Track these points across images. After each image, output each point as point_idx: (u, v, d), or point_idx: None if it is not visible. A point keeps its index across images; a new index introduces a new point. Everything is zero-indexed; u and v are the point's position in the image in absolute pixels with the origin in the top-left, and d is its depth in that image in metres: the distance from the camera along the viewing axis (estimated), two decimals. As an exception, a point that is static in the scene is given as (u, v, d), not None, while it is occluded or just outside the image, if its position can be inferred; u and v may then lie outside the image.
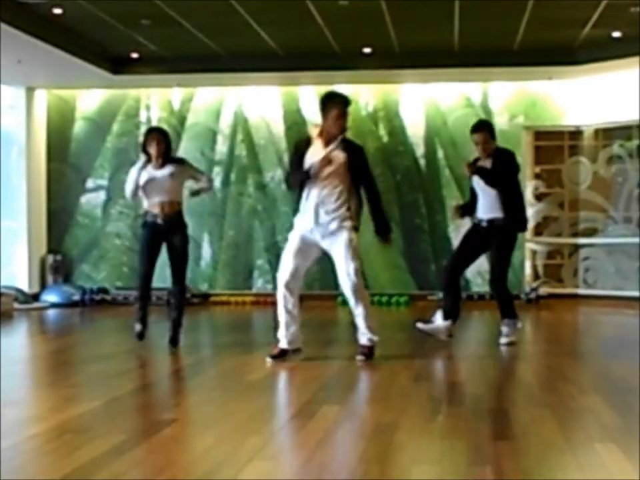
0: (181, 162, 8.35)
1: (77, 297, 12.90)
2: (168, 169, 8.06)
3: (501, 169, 7.91)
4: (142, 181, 8.03)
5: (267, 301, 12.82)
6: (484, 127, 8.16)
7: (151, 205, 8.12)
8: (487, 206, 7.94)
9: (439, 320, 8.18)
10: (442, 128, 13.09)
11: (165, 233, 8.09)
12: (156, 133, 8.27)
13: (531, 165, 13.00)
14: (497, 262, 8.01)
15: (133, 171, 8.10)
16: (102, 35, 11.09)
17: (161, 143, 8.07)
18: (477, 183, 7.98)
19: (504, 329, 7.99)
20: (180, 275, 8.33)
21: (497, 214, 7.88)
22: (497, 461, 4.09)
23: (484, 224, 7.97)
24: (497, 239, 7.89)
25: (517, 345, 7.95)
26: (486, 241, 7.95)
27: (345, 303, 12.59)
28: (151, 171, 8.06)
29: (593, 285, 12.80)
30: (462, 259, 8.20)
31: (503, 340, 7.95)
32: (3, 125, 13.14)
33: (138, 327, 8.15)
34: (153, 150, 8.05)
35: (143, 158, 8.15)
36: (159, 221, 8.05)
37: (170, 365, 7.40)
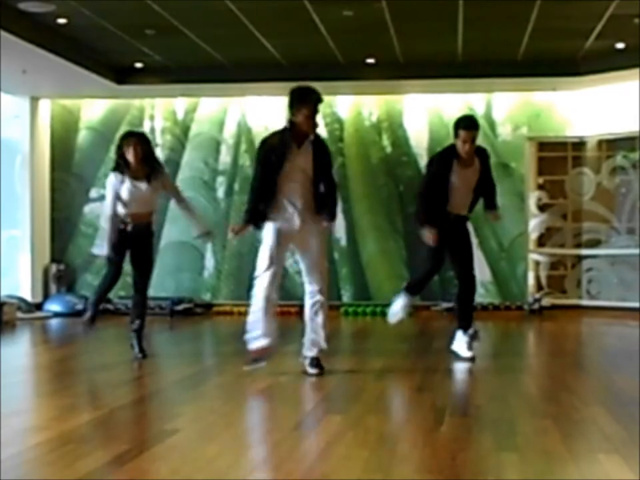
0: (160, 170, 7.93)
1: (80, 307, 12.86)
2: (149, 183, 7.70)
3: (488, 172, 7.80)
4: (124, 196, 7.66)
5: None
6: (476, 125, 7.68)
7: (122, 212, 7.74)
8: (463, 204, 7.74)
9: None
10: (445, 138, 12.99)
11: (132, 240, 7.76)
12: (132, 138, 7.79)
13: (534, 175, 13.00)
14: (469, 255, 7.81)
15: (109, 193, 7.72)
16: (106, 44, 11.11)
17: (138, 148, 7.65)
18: (463, 183, 7.65)
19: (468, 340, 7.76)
20: (143, 283, 7.92)
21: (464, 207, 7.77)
22: (500, 472, 4.08)
23: (451, 217, 7.71)
24: (465, 231, 7.80)
25: (520, 356, 7.91)
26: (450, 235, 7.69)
27: (347, 313, 12.67)
28: (130, 184, 7.66)
29: (596, 296, 12.79)
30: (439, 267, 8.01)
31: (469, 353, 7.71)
32: (7, 134, 13.16)
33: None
34: (130, 156, 7.63)
35: (112, 177, 7.71)
36: (129, 228, 7.72)
37: (172, 375, 7.38)
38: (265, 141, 6.96)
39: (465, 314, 7.79)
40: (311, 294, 6.92)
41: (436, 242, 7.56)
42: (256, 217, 6.85)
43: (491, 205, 7.99)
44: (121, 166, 7.71)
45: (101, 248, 8.05)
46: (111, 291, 8.10)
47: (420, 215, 7.79)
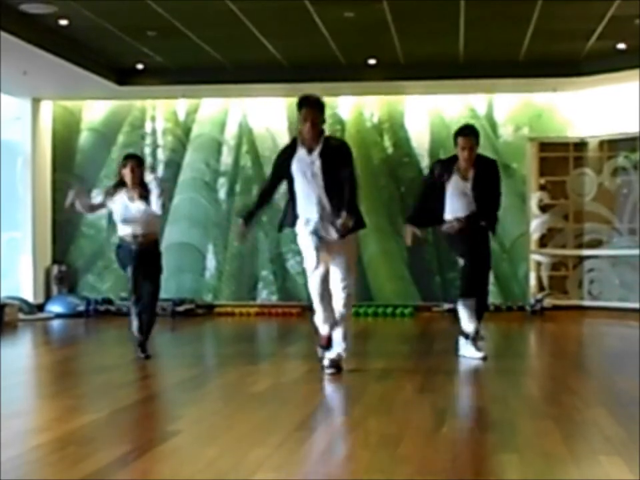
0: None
1: (81, 308, 12.91)
2: (144, 204, 7.78)
3: (485, 180, 7.70)
4: (119, 210, 7.83)
5: (271, 312, 12.86)
6: (473, 132, 7.80)
7: (124, 233, 7.91)
8: (464, 206, 7.70)
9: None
10: (447, 139, 13.00)
11: (140, 257, 7.83)
12: (132, 160, 7.98)
13: (535, 176, 13.00)
14: (482, 269, 7.80)
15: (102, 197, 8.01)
16: (107, 46, 11.12)
17: (136, 171, 7.84)
18: (455, 188, 7.69)
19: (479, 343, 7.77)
20: (153, 305, 7.97)
21: (472, 209, 7.69)
22: (501, 473, 4.09)
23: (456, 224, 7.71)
24: (478, 232, 7.72)
25: (522, 357, 7.90)
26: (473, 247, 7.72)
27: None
28: (126, 202, 7.83)
29: (597, 297, 12.78)
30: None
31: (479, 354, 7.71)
32: (9, 135, 13.17)
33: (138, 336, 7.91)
34: (128, 179, 7.81)
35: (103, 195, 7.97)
36: (134, 247, 7.83)
37: (174, 376, 7.38)
38: (280, 151, 7.24)
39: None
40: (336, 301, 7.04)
41: (409, 242, 7.84)
42: (249, 217, 7.15)
43: (481, 212, 7.81)
44: (118, 185, 7.92)
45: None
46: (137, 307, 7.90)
47: (408, 212, 8.07)
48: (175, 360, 8.16)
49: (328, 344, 6.99)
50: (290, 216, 7.00)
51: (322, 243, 6.84)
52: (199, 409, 5.76)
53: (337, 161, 6.86)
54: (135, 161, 7.97)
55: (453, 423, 5.23)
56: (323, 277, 6.87)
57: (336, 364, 6.97)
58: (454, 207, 7.71)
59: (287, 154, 6.99)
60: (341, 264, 6.93)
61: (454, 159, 7.80)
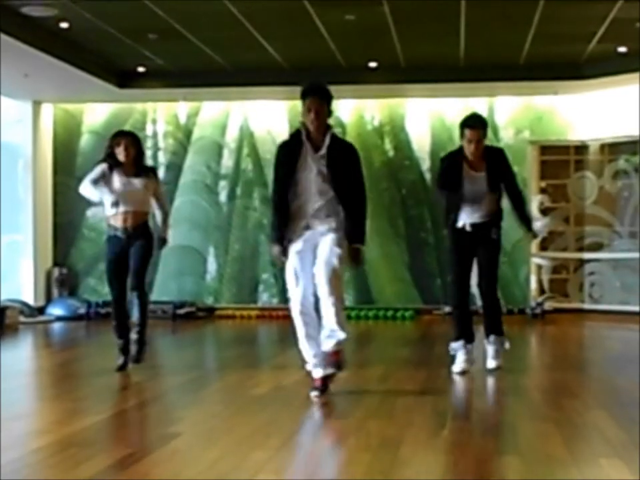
0: (153, 173, 7.68)
1: (82, 311, 12.91)
2: (142, 180, 7.38)
3: (498, 174, 7.16)
4: (114, 186, 7.31)
5: (272, 315, 12.85)
6: (481, 123, 7.15)
7: (113, 216, 7.38)
8: (477, 211, 7.15)
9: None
10: (448, 142, 13.06)
11: (129, 244, 7.35)
12: (123, 137, 7.42)
13: (536, 179, 13.00)
14: (491, 268, 7.25)
15: (96, 170, 7.32)
16: (109, 48, 11.13)
17: (130, 148, 7.33)
18: (472, 188, 7.08)
19: (493, 349, 7.26)
20: (138, 281, 7.36)
21: (485, 217, 7.18)
22: (502, 476, 4.08)
23: (468, 228, 7.17)
24: (488, 243, 7.20)
25: (522, 360, 7.89)
26: (473, 247, 7.20)
27: (350, 317, 12.64)
28: (120, 177, 7.32)
29: (598, 300, 12.78)
30: (466, 272, 7.24)
31: (492, 363, 7.23)
32: (10, 138, 13.18)
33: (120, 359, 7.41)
34: (121, 156, 7.31)
35: (102, 164, 7.35)
36: (120, 234, 7.34)
37: (175, 379, 7.38)
38: (279, 146, 6.44)
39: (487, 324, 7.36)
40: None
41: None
42: (281, 239, 6.20)
43: (521, 217, 7.39)
44: (109, 162, 7.38)
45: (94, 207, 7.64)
46: (123, 320, 7.47)
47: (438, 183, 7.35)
48: (176, 362, 8.15)
49: (324, 385, 6.12)
50: (281, 231, 6.20)
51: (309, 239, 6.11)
52: (199, 412, 5.76)
53: (346, 164, 6.17)
54: (127, 138, 7.41)
55: (454, 426, 5.23)
56: (304, 295, 6.07)
57: (340, 358, 6.12)
58: (468, 206, 7.14)
59: (290, 149, 6.20)
60: (332, 239, 6.03)
61: (460, 151, 7.16)
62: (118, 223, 7.36)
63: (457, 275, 7.29)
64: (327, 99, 6.15)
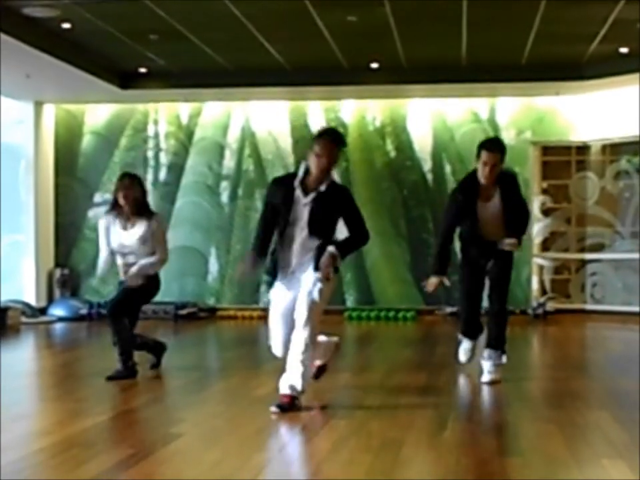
0: (154, 217, 7.42)
1: (84, 311, 12.91)
2: (138, 230, 7.26)
3: (511, 200, 6.96)
4: (114, 244, 7.32)
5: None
6: (499, 147, 6.91)
7: (119, 266, 7.39)
8: (493, 233, 6.98)
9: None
10: (449, 143, 13.10)
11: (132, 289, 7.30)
12: (123, 180, 7.34)
13: (538, 180, 12.99)
14: (502, 281, 7.24)
15: (101, 234, 7.40)
16: (110, 49, 11.13)
17: (129, 190, 7.22)
18: (486, 215, 6.91)
19: (489, 364, 6.99)
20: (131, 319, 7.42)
21: (499, 236, 7.00)
22: (504, 477, 4.08)
23: (484, 241, 7.05)
24: (500, 259, 7.11)
25: (524, 361, 7.88)
26: (484, 260, 7.14)
27: (351, 317, 12.66)
28: (119, 232, 7.29)
29: (600, 301, 12.77)
30: (478, 287, 7.26)
31: (487, 377, 6.91)
32: (11, 139, 13.18)
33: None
34: (121, 200, 7.22)
35: (103, 219, 7.41)
36: (124, 282, 7.35)
37: (176, 379, 7.38)
38: (272, 182, 6.19)
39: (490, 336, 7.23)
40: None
41: (432, 290, 7.27)
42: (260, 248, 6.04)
43: (510, 230, 7.04)
44: (114, 207, 7.37)
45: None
46: (129, 345, 7.34)
47: (433, 262, 7.31)
48: (177, 363, 8.14)
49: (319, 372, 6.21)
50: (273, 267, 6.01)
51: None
52: (201, 412, 5.76)
53: (337, 209, 5.88)
54: (125, 180, 7.32)
55: (456, 426, 5.23)
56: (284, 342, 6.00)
57: (289, 401, 5.71)
58: (484, 229, 6.98)
59: (281, 190, 5.90)
60: (317, 276, 5.77)
61: (472, 176, 6.95)
62: (120, 273, 7.41)
63: (467, 290, 7.31)
64: (341, 146, 5.86)
